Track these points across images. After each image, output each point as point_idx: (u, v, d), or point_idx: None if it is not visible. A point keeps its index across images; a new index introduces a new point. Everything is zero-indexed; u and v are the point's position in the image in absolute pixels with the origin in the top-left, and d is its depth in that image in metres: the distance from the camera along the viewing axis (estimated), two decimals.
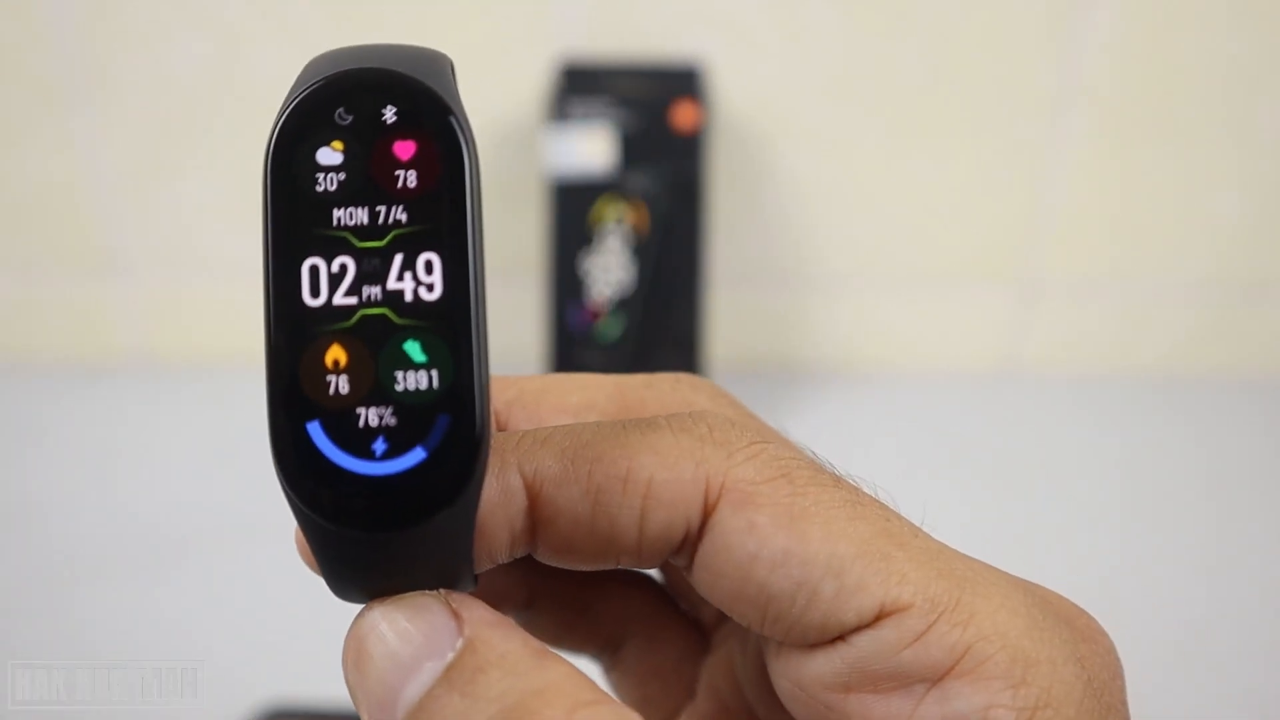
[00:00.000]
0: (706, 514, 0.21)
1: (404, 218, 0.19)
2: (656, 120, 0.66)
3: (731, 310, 0.73)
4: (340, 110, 0.19)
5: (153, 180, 0.71)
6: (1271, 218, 0.72)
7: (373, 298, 0.18)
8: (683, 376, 0.25)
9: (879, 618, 0.20)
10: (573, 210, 0.66)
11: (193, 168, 0.71)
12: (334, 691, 0.52)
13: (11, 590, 0.58)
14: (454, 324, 0.18)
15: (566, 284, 0.67)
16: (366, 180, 0.19)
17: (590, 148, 0.65)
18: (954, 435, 0.71)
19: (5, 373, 0.75)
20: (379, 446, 0.18)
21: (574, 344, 0.68)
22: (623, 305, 0.67)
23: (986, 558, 0.21)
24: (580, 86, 0.66)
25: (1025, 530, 0.63)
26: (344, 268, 0.19)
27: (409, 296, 0.18)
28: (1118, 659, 0.21)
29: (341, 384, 0.18)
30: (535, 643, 0.19)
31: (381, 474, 0.18)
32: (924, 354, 0.77)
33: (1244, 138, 0.70)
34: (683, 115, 0.66)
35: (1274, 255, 0.74)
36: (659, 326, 0.68)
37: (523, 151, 0.69)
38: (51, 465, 0.67)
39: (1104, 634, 0.21)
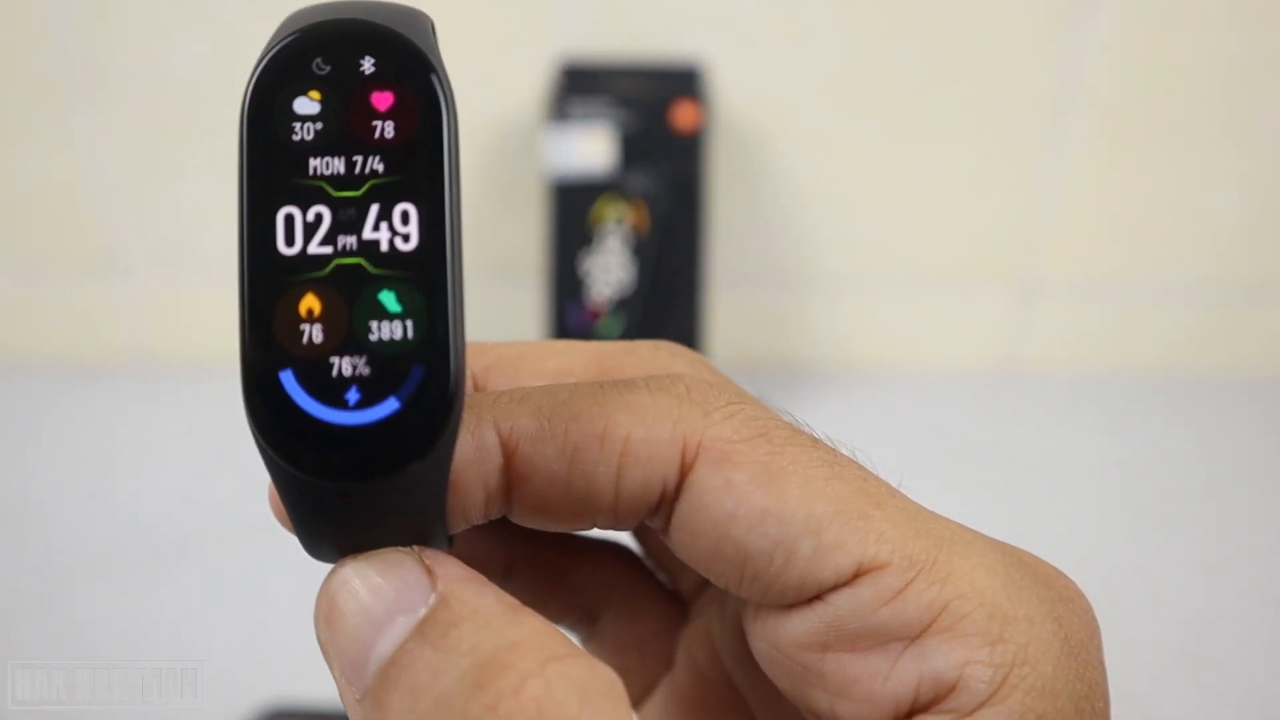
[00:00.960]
0: (684, 473, 0.21)
1: (381, 168, 0.19)
2: (656, 120, 0.66)
3: (731, 310, 0.73)
4: (318, 60, 0.19)
5: (153, 180, 0.71)
6: (1271, 218, 0.72)
7: (348, 247, 0.18)
8: (662, 344, 0.25)
9: (856, 576, 0.20)
10: (573, 210, 0.66)
11: (193, 168, 0.71)
12: (334, 691, 0.52)
13: (11, 590, 0.58)
14: (429, 275, 0.18)
15: (566, 284, 0.67)
16: (343, 130, 0.19)
17: (590, 148, 0.65)
18: (954, 435, 0.71)
19: (5, 373, 0.75)
20: (352, 396, 0.18)
21: None
22: (623, 305, 0.67)
23: None
24: (580, 86, 0.66)
25: (1025, 530, 0.62)
26: (319, 217, 0.18)
27: (384, 247, 0.18)
28: (1095, 619, 0.21)
29: (315, 333, 0.18)
30: (509, 599, 0.19)
31: (354, 424, 0.18)
32: (924, 354, 0.77)
33: (1244, 138, 0.70)
34: (683, 115, 0.66)
35: (1274, 255, 0.74)
36: (659, 326, 0.68)
37: (523, 151, 0.69)
38: (51, 465, 0.67)
39: (1082, 595, 0.21)
